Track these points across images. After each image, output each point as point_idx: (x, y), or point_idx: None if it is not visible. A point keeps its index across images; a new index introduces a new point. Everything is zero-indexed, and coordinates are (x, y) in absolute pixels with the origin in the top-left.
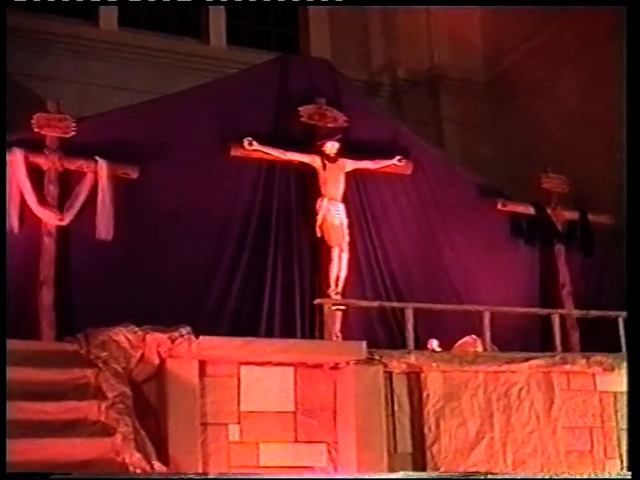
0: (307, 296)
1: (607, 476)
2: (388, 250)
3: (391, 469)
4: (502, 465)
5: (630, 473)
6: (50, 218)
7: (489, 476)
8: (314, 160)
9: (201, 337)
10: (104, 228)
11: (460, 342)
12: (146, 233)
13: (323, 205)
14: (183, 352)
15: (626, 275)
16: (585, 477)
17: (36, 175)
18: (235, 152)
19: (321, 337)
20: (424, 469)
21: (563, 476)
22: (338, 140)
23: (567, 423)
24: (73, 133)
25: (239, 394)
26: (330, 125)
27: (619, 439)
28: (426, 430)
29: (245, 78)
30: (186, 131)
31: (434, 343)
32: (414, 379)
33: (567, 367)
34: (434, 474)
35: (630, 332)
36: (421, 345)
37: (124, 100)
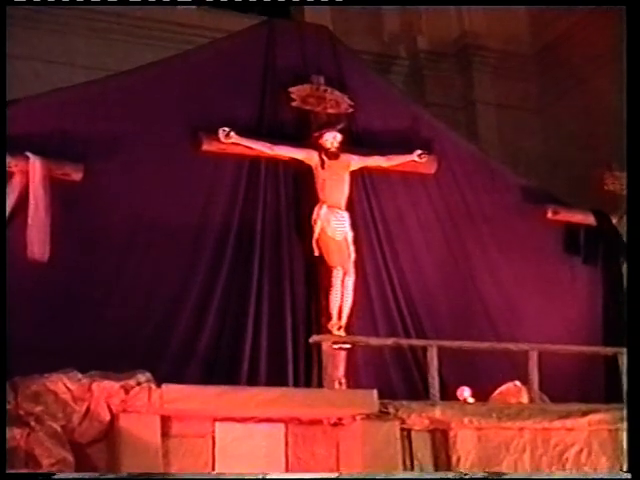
0: (301, 332)
1: (607, 476)
2: (406, 272)
3: None
4: None
5: (630, 473)
6: None
7: (489, 476)
8: (310, 156)
9: (164, 385)
10: (38, 245)
11: (499, 390)
12: (93, 252)
13: (322, 214)
14: (141, 405)
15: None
16: (585, 477)
17: None
18: (208, 146)
19: (320, 385)
20: None
21: (563, 476)
22: (341, 130)
23: None
24: None
25: (214, 459)
26: (330, 111)
27: None
28: None
29: (220, 50)
30: (144, 120)
31: (466, 392)
32: (440, 438)
33: None
34: (434, 474)
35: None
36: (449, 395)
37: (63, 79)
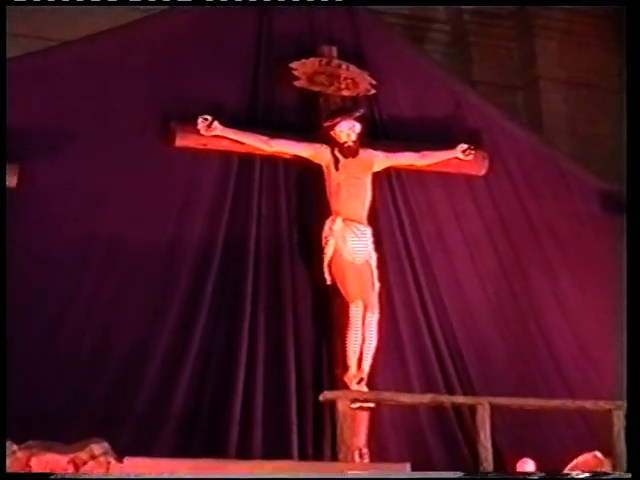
0: (309, 386)
1: (607, 476)
2: (447, 305)
3: None
4: None
5: (630, 473)
6: None
7: (489, 476)
8: (319, 153)
9: (127, 459)
10: None
11: (574, 463)
12: (35, 280)
13: (335, 230)
14: None
15: None
16: (585, 477)
17: None
18: (183, 141)
19: (334, 456)
20: None
21: (563, 476)
22: (360, 118)
23: None
24: None
25: None
26: (346, 93)
27: None
28: None
29: (200, 14)
30: (98, 106)
31: (529, 465)
32: None
33: None
34: (435, 474)
35: None
36: (507, 468)
37: None
